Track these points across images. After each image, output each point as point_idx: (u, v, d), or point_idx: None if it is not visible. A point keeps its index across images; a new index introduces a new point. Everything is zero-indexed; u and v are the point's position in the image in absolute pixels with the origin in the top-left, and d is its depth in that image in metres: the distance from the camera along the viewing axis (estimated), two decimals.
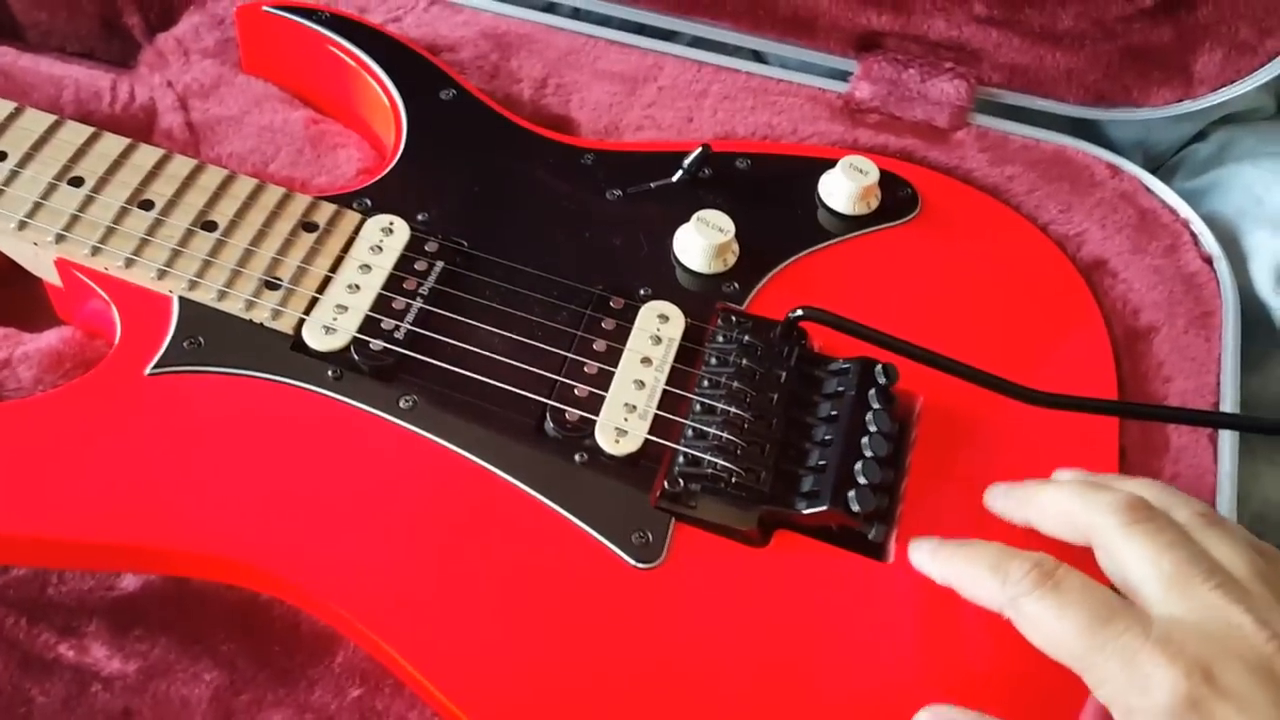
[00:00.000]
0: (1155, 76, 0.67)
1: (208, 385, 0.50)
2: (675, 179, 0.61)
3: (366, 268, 0.54)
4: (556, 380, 0.52)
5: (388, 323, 0.53)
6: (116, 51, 0.75)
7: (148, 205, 0.54)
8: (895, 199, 0.62)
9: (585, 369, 0.53)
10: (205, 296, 0.52)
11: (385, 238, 0.56)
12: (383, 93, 0.63)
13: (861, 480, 0.49)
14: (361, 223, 0.56)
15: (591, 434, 0.50)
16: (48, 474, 0.47)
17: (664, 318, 0.55)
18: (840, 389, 0.52)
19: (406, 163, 0.60)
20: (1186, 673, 0.37)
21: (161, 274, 0.52)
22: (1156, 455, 0.57)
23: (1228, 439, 0.57)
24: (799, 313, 0.52)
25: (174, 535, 0.47)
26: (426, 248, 0.56)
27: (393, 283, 0.54)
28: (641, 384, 0.52)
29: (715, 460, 0.50)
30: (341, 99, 0.66)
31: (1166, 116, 0.68)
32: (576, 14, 0.73)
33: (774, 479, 0.50)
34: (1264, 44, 0.64)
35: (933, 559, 0.47)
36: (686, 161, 0.61)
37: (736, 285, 0.57)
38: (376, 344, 0.52)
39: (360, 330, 0.52)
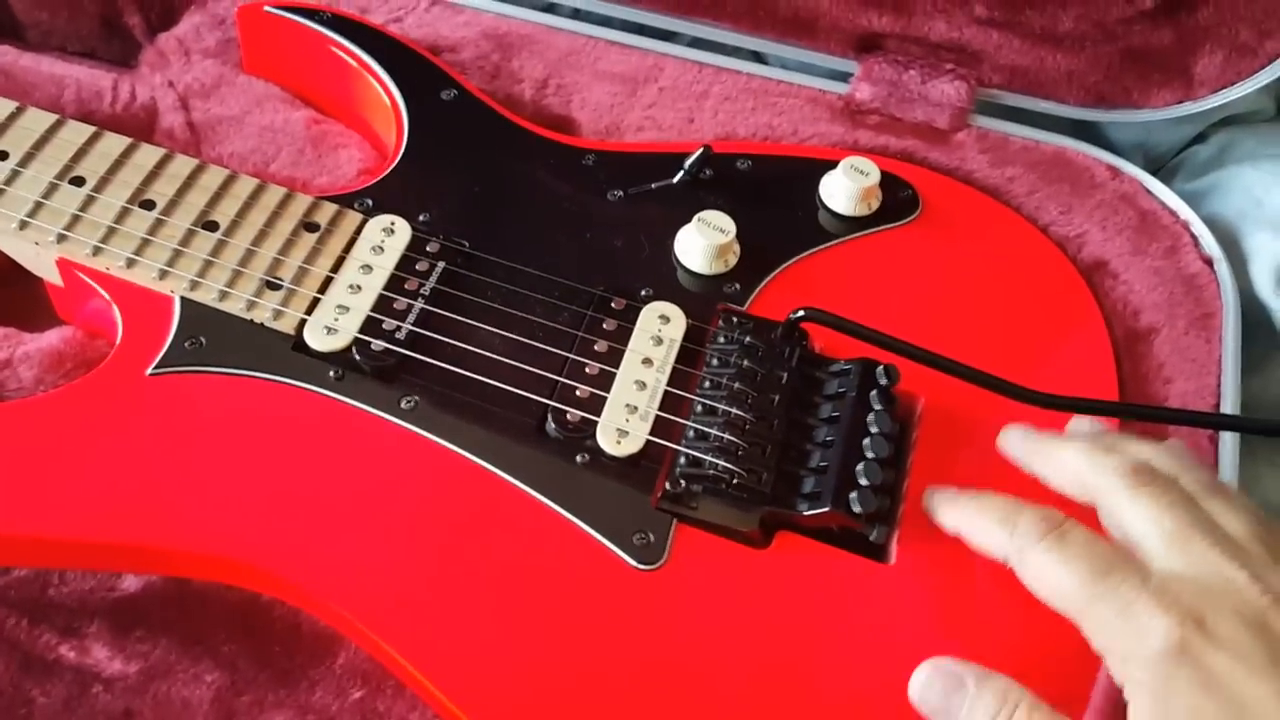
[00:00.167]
0: (1155, 78, 0.67)
1: (209, 385, 0.50)
2: (676, 180, 0.61)
3: (368, 268, 0.54)
4: (558, 381, 0.52)
5: (389, 323, 0.53)
6: (117, 51, 0.75)
7: (149, 205, 0.54)
8: (896, 200, 0.62)
9: (586, 370, 0.53)
10: (207, 297, 0.52)
11: (387, 238, 0.56)
12: (384, 93, 0.63)
13: (863, 481, 0.49)
14: (363, 223, 0.56)
15: (593, 435, 0.50)
16: (49, 474, 0.47)
17: (665, 318, 0.55)
18: (841, 390, 0.52)
19: (408, 163, 0.60)
20: (1180, 620, 0.38)
21: (163, 274, 0.52)
22: None
23: (1228, 441, 0.57)
24: (800, 314, 0.52)
25: (175, 535, 0.47)
26: (428, 248, 0.56)
27: (394, 283, 0.54)
28: (643, 385, 0.52)
29: (716, 461, 0.50)
30: (343, 99, 0.66)
31: (1167, 118, 0.68)
32: (577, 14, 0.73)
33: (775, 480, 0.50)
34: (1264, 46, 0.64)
35: (944, 507, 0.47)
36: (688, 162, 0.61)
37: (738, 286, 0.57)
38: (378, 344, 0.52)
39: (361, 331, 0.52)
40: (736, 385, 0.52)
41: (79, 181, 0.54)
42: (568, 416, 0.51)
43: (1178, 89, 0.67)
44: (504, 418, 0.51)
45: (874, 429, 0.50)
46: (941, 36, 0.68)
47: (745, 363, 0.53)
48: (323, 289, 0.53)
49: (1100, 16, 0.65)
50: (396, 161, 0.60)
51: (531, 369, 0.52)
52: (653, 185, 0.61)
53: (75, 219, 0.53)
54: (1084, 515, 0.43)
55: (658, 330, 0.54)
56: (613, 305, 0.55)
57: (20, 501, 0.46)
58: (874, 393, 0.51)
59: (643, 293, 0.56)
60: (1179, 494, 0.42)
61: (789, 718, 0.45)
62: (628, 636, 0.46)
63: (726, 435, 0.50)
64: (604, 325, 0.54)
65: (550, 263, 0.56)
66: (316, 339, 0.52)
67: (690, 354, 0.54)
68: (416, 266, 0.55)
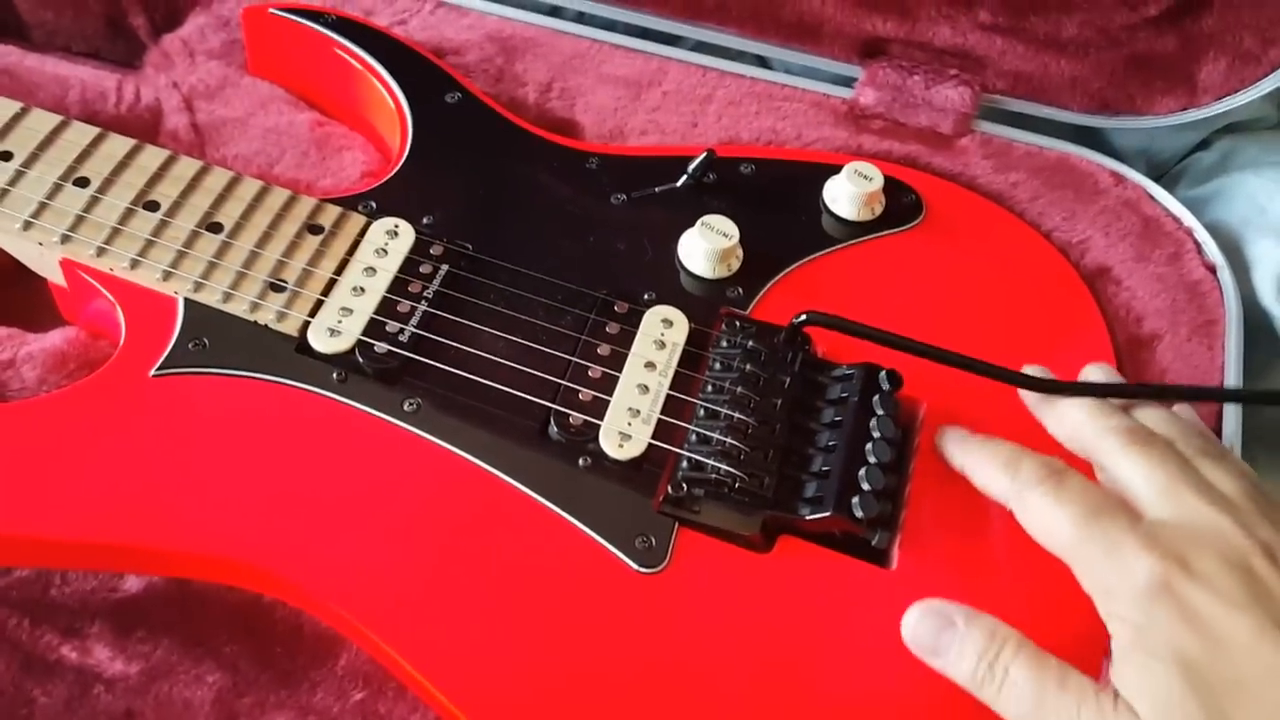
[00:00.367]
0: (1159, 85, 0.67)
1: (212, 387, 0.50)
2: (680, 183, 0.61)
3: (371, 270, 0.54)
4: (560, 384, 0.52)
5: (392, 326, 0.53)
6: (122, 52, 0.75)
7: (153, 206, 0.54)
8: (899, 205, 0.62)
9: (589, 373, 0.53)
10: (210, 298, 0.52)
11: (390, 241, 0.56)
12: (388, 95, 0.63)
13: (865, 486, 0.49)
14: (366, 225, 0.56)
15: (595, 438, 0.50)
16: (52, 475, 0.47)
17: (668, 322, 0.55)
18: (844, 394, 0.52)
19: (411, 166, 0.60)
20: (1163, 559, 0.40)
21: (166, 275, 0.52)
22: None
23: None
24: (803, 318, 0.52)
25: (177, 536, 0.47)
26: (431, 251, 0.56)
27: (397, 286, 0.54)
28: (645, 388, 0.52)
29: (719, 465, 0.50)
30: (347, 101, 0.66)
31: (1170, 125, 0.68)
32: (581, 18, 0.73)
33: (778, 484, 0.50)
34: (1268, 54, 0.64)
35: (954, 446, 0.49)
36: (691, 166, 0.61)
37: (740, 290, 0.57)
38: (381, 347, 0.52)
39: (365, 333, 0.52)
40: (739, 389, 0.52)
41: (83, 182, 0.54)
42: (570, 420, 0.51)
43: (1181, 96, 0.67)
44: (506, 421, 0.51)
45: (877, 434, 0.50)
46: (946, 42, 0.68)
47: (748, 367, 0.53)
48: (326, 291, 0.53)
49: (1104, 23, 0.65)
50: (400, 164, 0.60)
51: (534, 372, 0.52)
52: (656, 189, 0.61)
53: (79, 220, 0.53)
54: (1086, 471, 0.45)
55: (660, 334, 0.54)
56: (616, 309, 0.55)
57: (22, 502, 0.46)
58: (877, 397, 0.51)
59: (646, 296, 0.56)
60: (1173, 453, 0.44)
61: None
62: (629, 640, 0.46)
63: (729, 439, 0.50)
64: (607, 329, 0.54)
65: (553, 266, 0.57)
66: (320, 341, 0.52)
67: (693, 358, 0.54)
68: (420, 269, 0.55)
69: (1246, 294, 0.64)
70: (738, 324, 0.55)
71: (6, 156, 0.55)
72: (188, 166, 0.56)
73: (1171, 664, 0.39)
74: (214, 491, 0.48)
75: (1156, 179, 0.69)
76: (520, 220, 0.59)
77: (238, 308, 0.52)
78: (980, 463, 0.48)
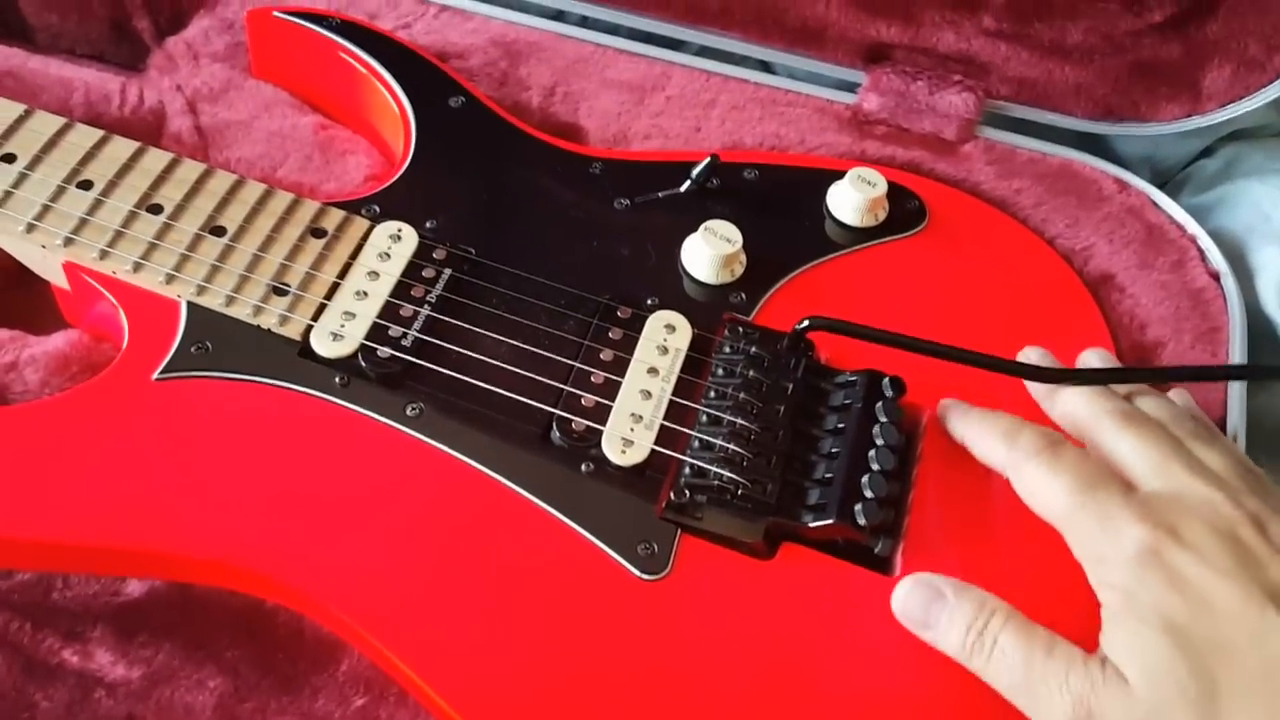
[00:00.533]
0: (1163, 92, 0.67)
1: (215, 390, 0.50)
2: (683, 189, 0.61)
3: (374, 275, 0.54)
4: (563, 390, 0.52)
5: (395, 330, 0.53)
6: (126, 54, 0.75)
7: (156, 210, 0.54)
8: (903, 211, 0.62)
9: (592, 379, 0.53)
10: (213, 302, 0.52)
11: (393, 245, 0.56)
12: (392, 99, 0.63)
13: (868, 494, 0.49)
14: (370, 229, 0.56)
15: (598, 444, 0.50)
16: (54, 478, 0.47)
17: (671, 328, 0.55)
18: (847, 402, 0.52)
19: (415, 170, 0.60)
20: (1154, 527, 0.41)
21: (170, 279, 0.52)
22: None
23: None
24: (805, 324, 0.52)
25: (179, 540, 0.47)
26: (434, 255, 0.56)
27: (400, 290, 0.54)
28: (648, 394, 0.52)
29: (721, 472, 0.49)
30: (351, 105, 0.66)
31: (1174, 132, 0.68)
32: (585, 22, 0.73)
33: (780, 491, 0.49)
34: (1272, 61, 0.64)
35: (955, 418, 0.51)
36: (695, 171, 0.61)
37: (744, 296, 0.57)
38: (384, 351, 0.52)
39: (367, 337, 0.52)
40: (742, 395, 0.52)
41: (87, 185, 0.54)
42: (573, 425, 0.51)
43: (1185, 103, 0.67)
44: (509, 426, 0.51)
45: (879, 441, 0.50)
46: (950, 48, 0.68)
47: (751, 373, 0.53)
48: (329, 295, 0.53)
49: (1109, 29, 0.65)
50: (404, 168, 0.60)
51: (537, 377, 0.52)
52: (659, 194, 0.61)
53: (82, 222, 0.53)
54: None
55: (663, 340, 0.54)
56: (619, 314, 0.55)
57: (25, 505, 0.46)
58: (880, 404, 0.51)
59: (649, 302, 0.56)
60: (1166, 433, 0.46)
61: None
62: (631, 647, 0.46)
63: (731, 446, 0.50)
64: (610, 334, 0.54)
65: (556, 271, 0.56)
66: (322, 345, 0.52)
67: (696, 364, 0.54)
68: (423, 273, 0.55)
69: (1250, 301, 0.64)
70: (741, 330, 0.55)
71: (10, 159, 0.55)
72: (191, 170, 0.56)
73: (1160, 628, 0.40)
74: (216, 495, 0.47)
75: (1160, 186, 0.69)
76: (523, 225, 0.59)
77: (241, 311, 0.52)
78: (980, 434, 0.49)
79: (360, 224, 0.56)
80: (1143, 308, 0.62)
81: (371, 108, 0.65)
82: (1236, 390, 0.59)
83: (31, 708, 0.48)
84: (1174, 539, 0.41)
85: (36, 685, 0.48)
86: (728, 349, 0.54)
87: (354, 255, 0.55)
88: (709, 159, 0.61)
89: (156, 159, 0.56)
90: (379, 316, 0.53)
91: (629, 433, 0.51)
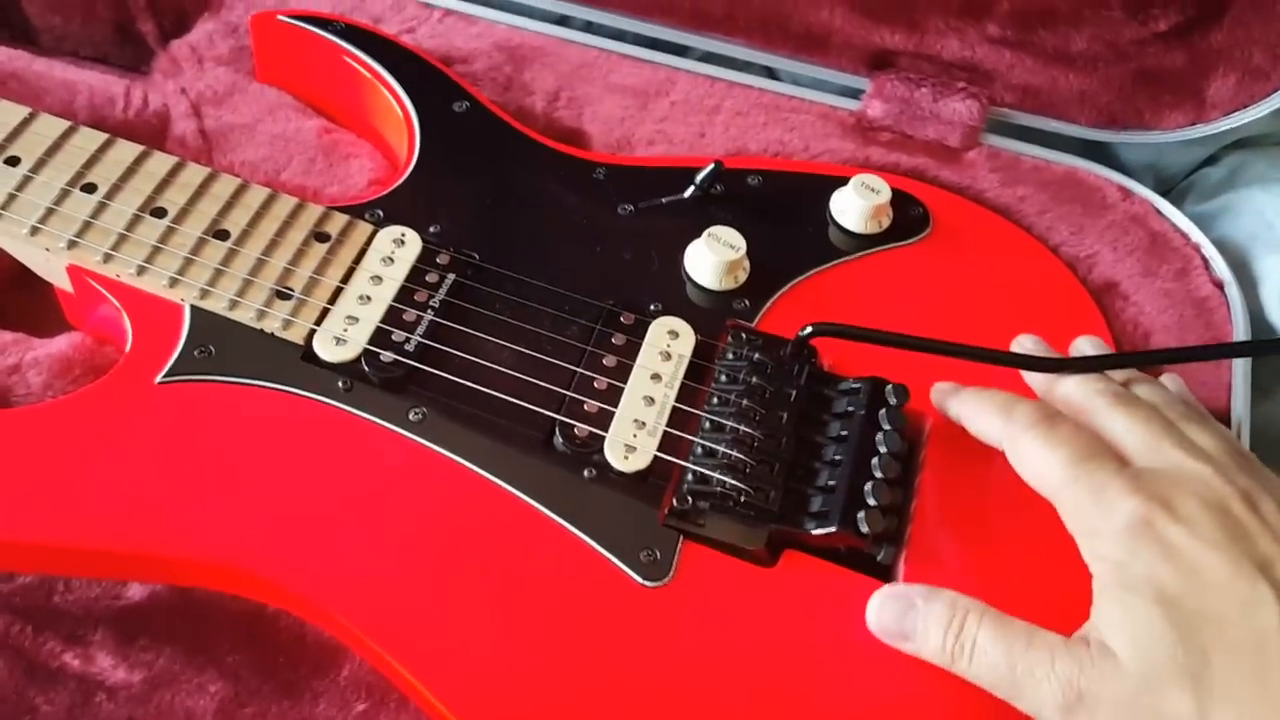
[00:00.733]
0: (1167, 100, 0.67)
1: (218, 394, 0.50)
2: (687, 195, 0.61)
3: (378, 279, 0.54)
4: (566, 395, 0.52)
5: (398, 335, 0.53)
6: (130, 57, 0.75)
7: (160, 213, 0.54)
8: (907, 218, 0.62)
9: (595, 384, 0.53)
10: (217, 305, 0.52)
11: (397, 249, 0.56)
12: (396, 104, 0.63)
13: (871, 501, 0.48)
14: (373, 234, 0.56)
15: (600, 450, 0.50)
16: (56, 481, 0.47)
17: (674, 334, 0.55)
18: (850, 409, 0.52)
19: (419, 174, 0.60)
20: (1146, 499, 0.42)
21: (173, 282, 0.52)
22: None
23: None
24: (809, 330, 0.52)
25: (181, 544, 0.47)
26: (438, 260, 0.56)
27: (404, 295, 0.54)
28: (651, 400, 0.52)
29: (724, 478, 0.49)
30: (355, 109, 0.66)
31: (1178, 140, 0.68)
32: (590, 27, 0.73)
33: (783, 498, 0.49)
34: (1277, 70, 0.64)
35: (950, 398, 0.51)
36: (699, 177, 0.61)
37: (747, 302, 0.57)
38: (387, 355, 0.52)
39: (371, 342, 0.52)
40: (745, 402, 0.52)
41: (90, 188, 0.54)
42: (575, 431, 0.51)
43: (1190, 111, 0.67)
44: (512, 431, 0.51)
45: (883, 448, 0.50)
46: (954, 55, 0.68)
47: (754, 380, 0.53)
48: (332, 299, 0.53)
49: (1113, 37, 0.65)
50: (408, 172, 0.60)
51: (540, 383, 0.52)
52: (663, 200, 0.61)
53: (86, 226, 0.53)
54: None
55: (666, 346, 0.54)
56: (622, 320, 0.55)
57: (27, 508, 0.46)
58: (883, 412, 0.51)
59: (652, 307, 0.56)
60: (1158, 414, 0.47)
61: None
62: (633, 653, 0.46)
63: (734, 452, 0.50)
64: (613, 340, 0.54)
65: (560, 276, 0.56)
66: (326, 349, 0.52)
67: (699, 370, 0.54)
68: (426, 278, 0.55)
69: (1254, 310, 0.64)
70: (744, 336, 0.55)
71: (14, 162, 0.55)
72: (195, 173, 0.56)
73: (1151, 599, 0.40)
74: (218, 499, 0.47)
75: (1164, 194, 0.69)
76: (527, 230, 0.59)
77: (244, 315, 0.52)
78: (976, 409, 0.49)
79: (364, 228, 0.56)
80: (1146, 316, 0.62)
81: (375, 112, 0.65)
82: (1240, 382, 0.60)
83: (32, 711, 0.48)
84: (1167, 511, 0.41)
85: (37, 688, 0.48)
86: (731, 355, 0.54)
87: (357, 260, 0.55)
88: (713, 165, 0.61)
89: (161, 162, 0.56)
90: (382, 321, 0.53)
91: (632, 439, 0.51)
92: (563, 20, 0.74)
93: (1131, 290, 0.63)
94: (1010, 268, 0.62)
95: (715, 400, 0.52)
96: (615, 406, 0.52)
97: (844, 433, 0.51)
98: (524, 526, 0.48)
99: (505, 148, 0.63)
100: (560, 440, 0.51)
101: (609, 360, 0.53)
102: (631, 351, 0.54)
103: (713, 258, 0.56)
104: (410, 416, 0.51)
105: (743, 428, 0.51)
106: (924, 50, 0.68)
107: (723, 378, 0.53)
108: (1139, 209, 0.67)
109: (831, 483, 0.50)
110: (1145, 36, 0.65)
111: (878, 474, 0.49)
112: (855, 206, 0.60)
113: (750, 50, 0.71)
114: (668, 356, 0.54)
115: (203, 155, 0.65)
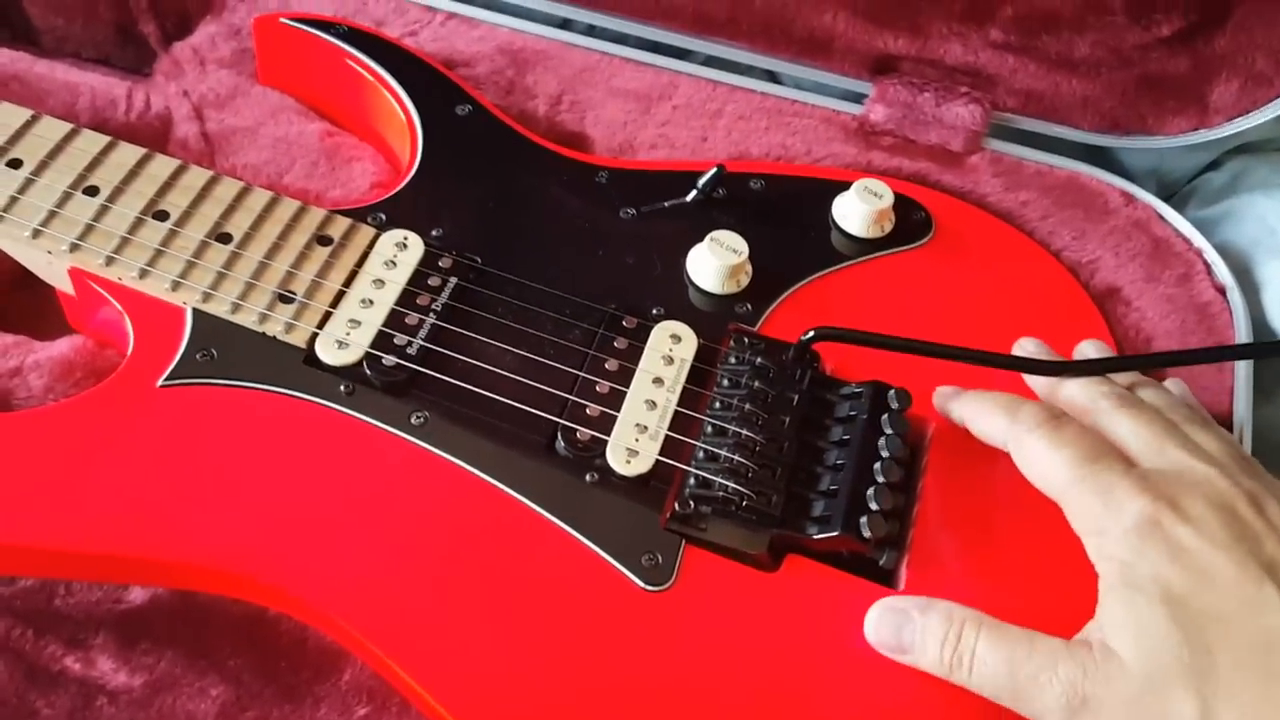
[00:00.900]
0: (1170, 105, 0.67)
1: (219, 398, 0.50)
2: (689, 199, 0.61)
3: (380, 283, 0.54)
4: (568, 399, 0.52)
5: (400, 338, 0.53)
6: (132, 59, 0.75)
7: (163, 216, 0.54)
8: (909, 222, 0.62)
9: (597, 388, 0.52)
10: (219, 309, 0.52)
11: (399, 253, 0.56)
12: (398, 107, 0.63)
13: (873, 506, 0.48)
14: (376, 237, 0.56)
15: (602, 454, 0.50)
16: (57, 484, 0.47)
17: (676, 338, 0.54)
18: (853, 413, 0.52)
19: (421, 178, 0.60)
20: (1154, 500, 0.42)
21: (175, 285, 0.52)
22: None
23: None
24: (811, 335, 0.52)
25: (182, 548, 0.46)
26: (440, 264, 0.56)
27: (406, 298, 0.54)
28: (653, 404, 0.52)
29: (726, 483, 0.49)
30: (357, 112, 0.66)
31: (1181, 145, 0.68)
32: (592, 31, 0.73)
33: (785, 502, 0.49)
34: None
35: (953, 400, 0.51)
36: (701, 181, 0.61)
37: (749, 306, 0.57)
38: (389, 359, 0.52)
39: (373, 345, 0.52)
40: (747, 406, 0.52)
41: (93, 191, 0.54)
42: (577, 435, 0.51)
43: (1193, 116, 0.67)
44: (514, 435, 0.51)
45: (885, 453, 0.50)
46: (957, 60, 0.68)
47: (756, 384, 0.53)
48: (335, 303, 0.53)
49: (1116, 43, 0.65)
50: (410, 176, 0.60)
51: (542, 386, 0.52)
52: (665, 204, 0.61)
53: (88, 229, 0.53)
54: None
55: (669, 349, 0.54)
56: (624, 324, 0.55)
57: (28, 511, 0.46)
58: (885, 416, 0.51)
59: (654, 311, 0.56)
60: (1162, 416, 0.47)
61: None
62: (635, 658, 0.46)
63: (736, 457, 0.50)
64: (615, 344, 0.54)
65: (562, 280, 0.56)
66: (328, 353, 0.51)
67: (701, 374, 0.54)
68: (429, 282, 0.55)
69: (1256, 315, 0.64)
70: (746, 340, 0.55)
71: (16, 164, 0.55)
72: (197, 176, 0.56)
73: (1158, 598, 0.40)
74: (219, 503, 0.47)
75: (1166, 199, 0.69)
76: (529, 233, 0.59)
77: (246, 319, 0.52)
78: (980, 410, 0.49)
79: (366, 232, 0.56)
80: (1149, 321, 0.62)
81: (378, 115, 0.65)
82: (1242, 385, 0.60)
83: (33, 715, 0.48)
84: (1175, 512, 0.42)
85: (38, 692, 0.48)
86: (733, 359, 0.54)
87: (360, 263, 0.55)
88: (715, 169, 0.61)
89: (163, 165, 0.56)
90: (384, 325, 0.53)
91: (634, 443, 0.51)
92: (565, 24, 0.74)
93: (1134, 295, 0.63)
94: (1012, 273, 0.61)
95: (717, 404, 0.52)
96: (617, 410, 0.52)
97: (846, 437, 0.51)
98: (526, 531, 0.48)
99: (507, 151, 0.63)
100: (562, 444, 0.51)
101: (611, 364, 0.53)
102: (634, 355, 0.54)
103: (715, 262, 0.56)
104: (412, 420, 0.50)
105: (745, 432, 0.51)
106: (927, 55, 0.68)
107: (725, 382, 0.53)
108: (1141, 214, 0.67)
109: (834, 487, 0.50)
110: (1148, 42, 0.65)
111: (880, 479, 0.49)
112: (858, 211, 0.60)
113: (753, 54, 0.71)
114: (670, 360, 0.54)
115: (205, 158, 0.65)
